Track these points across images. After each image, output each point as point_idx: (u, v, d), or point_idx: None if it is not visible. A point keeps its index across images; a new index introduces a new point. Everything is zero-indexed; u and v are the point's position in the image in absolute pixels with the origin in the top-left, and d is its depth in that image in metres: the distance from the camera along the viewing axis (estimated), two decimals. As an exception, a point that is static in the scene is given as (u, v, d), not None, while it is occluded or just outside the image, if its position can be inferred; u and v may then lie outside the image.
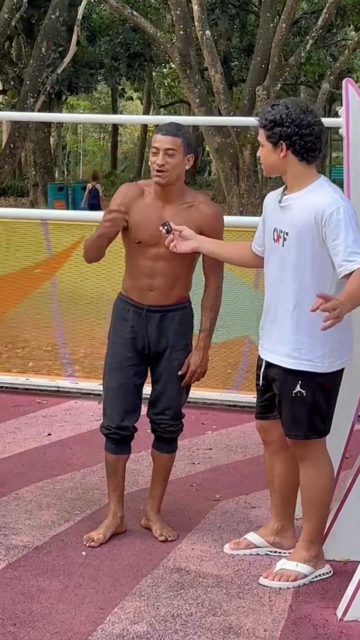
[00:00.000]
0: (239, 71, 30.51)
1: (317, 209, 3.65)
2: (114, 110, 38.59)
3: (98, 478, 4.95)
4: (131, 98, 39.28)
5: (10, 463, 5.24)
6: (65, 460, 5.32)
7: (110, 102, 40.09)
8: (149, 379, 4.29)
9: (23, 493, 4.77)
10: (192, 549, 4.17)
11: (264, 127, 3.75)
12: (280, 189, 3.90)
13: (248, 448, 5.62)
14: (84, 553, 4.09)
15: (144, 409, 4.27)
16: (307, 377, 3.75)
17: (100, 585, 3.79)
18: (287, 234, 3.76)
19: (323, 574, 3.94)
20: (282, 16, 18.02)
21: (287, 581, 3.84)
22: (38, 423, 6.01)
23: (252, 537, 4.18)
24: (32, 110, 17.84)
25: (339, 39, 28.98)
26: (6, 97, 30.47)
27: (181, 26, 17.63)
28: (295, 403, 3.80)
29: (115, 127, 39.66)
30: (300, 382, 3.76)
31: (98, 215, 7.55)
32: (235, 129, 17.78)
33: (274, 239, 3.84)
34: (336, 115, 4.33)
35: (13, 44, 27.50)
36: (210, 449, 5.61)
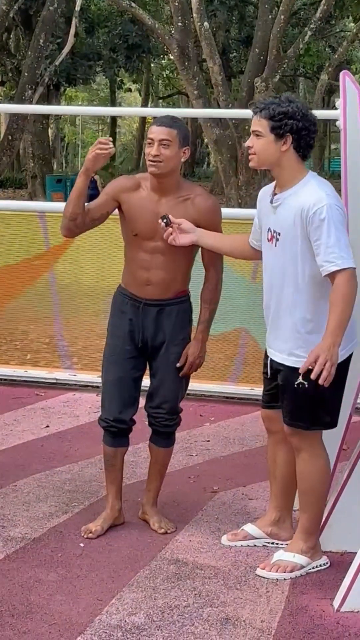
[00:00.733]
0: (237, 63, 30.49)
1: (302, 207, 3.65)
2: (112, 102, 38.56)
3: (96, 470, 4.96)
4: (129, 90, 39.21)
5: (8, 455, 5.25)
6: (63, 452, 5.33)
7: (109, 93, 40.04)
8: (147, 372, 4.29)
9: (21, 485, 4.78)
10: (190, 540, 4.19)
11: (270, 118, 3.73)
12: (272, 187, 3.88)
13: (246, 440, 5.63)
14: (81, 545, 4.10)
15: (142, 402, 4.27)
16: (310, 371, 3.74)
17: (97, 577, 3.80)
18: (279, 234, 3.76)
19: (320, 565, 3.95)
20: (281, 7, 17.99)
21: (284, 572, 3.85)
22: (36, 415, 6.02)
23: (249, 528, 4.19)
24: (30, 102, 17.80)
25: (337, 30, 28.94)
26: (4, 89, 30.46)
27: (179, 17, 17.59)
28: (298, 394, 3.79)
29: (113, 118, 39.63)
30: (303, 373, 3.76)
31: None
32: (233, 121, 17.75)
33: (268, 239, 3.85)
34: (334, 107, 4.32)
35: (11, 36, 27.44)
36: (208, 440, 5.62)
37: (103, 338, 4.32)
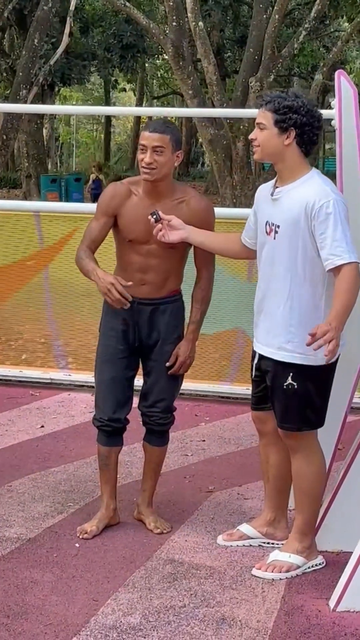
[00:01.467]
0: (232, 62, 30.45)
1: (307, 201, 3.65)
2: (107, 102, 38.51)
3: (91, 470, 4.96)
4: (124, 89, 39.16)
5: (4, 455, 5.24)
6: (59, 452, 5.32)
7: (103, 93, 40.01)
8: (141, 372, 4.29)
9: (16, 485, 4.77)
10: (186, 540, 4.18)
11: (275, 111, 3.73)
12: (272, 182, 3.89)
13: (241, 440, 5.62)
14: (77, 545, 4.09)
15: (136, 401, 4.27)
16: (298, 369, 3.76)
17: (93, 577, 3.80)
18: (278, 226, 3.76)
19: (316, 565, 3.95)
20: (275, 7, 17.98)
21: (280, 572, 3.85)
22: (31, 415, 6.02)
23: (245, 528, 4.19)
24: (25, 102, 17.77)
25: (332, 30, 28.91)
26: (-1, 89, 30.38)
27: (174, 17, 17.58)
28: (287, 395, 3.81)
29: (108, 118, 39.58)
30: (291, 374, 3.77)
31: (90, 207, 7.56)
32: (228, 121, 17.75)
33: (266, 232, 3.84)
34: (329, 107, 4.32)
35: (5, 35, 27.39)
36: (204, 440, 5.61)
37: (98, 338, 4.31)
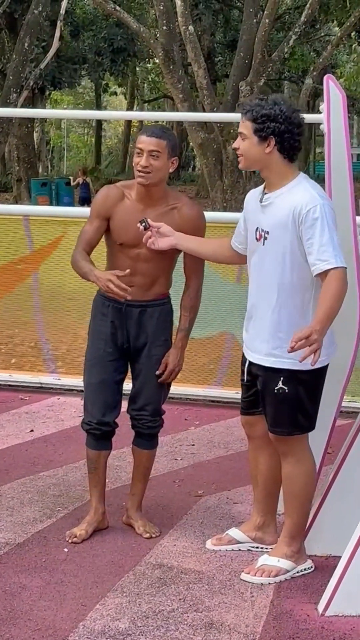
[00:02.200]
0: (222, 66, 30.52)
1: (295, 207, 3.66)
2: (98, 105, 38.57)
3: (80, 474, 4.95)
4: (115, 93, 39.18)
5: (-7, 460, 5.23)
6: (48, 456, 5.31)
7: (94, 97, 40.03)
8: (129, 375, 4.29)
9: (5, 490, 4.76)
10: (174, 545, 4.17)
11: (253, 121, 3.73)
12: (261, 188, 3.89)
13: (231, 444, 5.62)
14: (65, 550, 4.08)
15: (125, 405, 4.26)
16: (288, 374, 3.76)
17: (82, 582, 3.78)
18: (267, 232, 3.76)
19: (305, 569, 3.95)
20: (266, 11, 18.03)
21: (269, 577, 3.85)
22: (21, 419, 6.00)
23: (234, 532, 4.19)
24: (15, 106, 17.76)
25: (322, 34, 29.02)
26: (-11, 92, 30.32)
27: (164, 21, 17.60)
28: (278, 399, 3.81)
29: (99, 122, 39.61)
30: (282, 378, 3.77)
31: (80, 211, 7.56)
32: (218, 125, 17.78)
33: (256, 238, 3.84)
34: (319, 111, 4.33)
35: (-4, 39, 27.38)
36: (193, 444, 5.61)
37: (87, 342, 4.31)
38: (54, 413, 6.15)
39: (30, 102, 24.63)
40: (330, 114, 4.13)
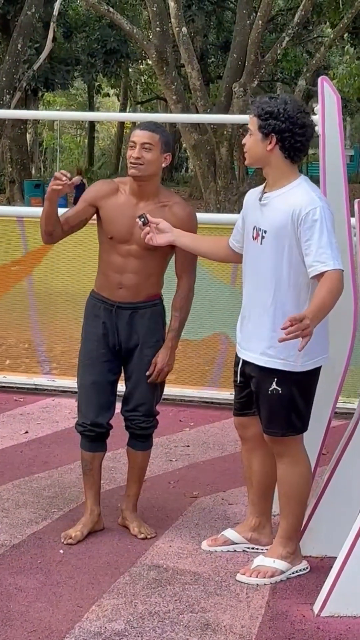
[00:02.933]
0: (215, 68, 30.54)
1: (294, 208, 3.66)
2: (91, 107, 38.53)
3: (75, 476, 4.95)
4: (108, 94, 39.16)
5: (-13, 461, 5.23)
6: (43, 458, 5.31)
7: (87, 98, 40.00)
8: (123, 376, 4.29)
9: (0, 491, 4.75)
10: (170, 546, 4.18)
11: (258, 116, 3.75)
12: (261, 187, 3.90)
13: (225, 445, 5.62)
14: (61, 551, 4.08)
15: (119, 407, 4.27)
16: (282, 374, 3.76)
17: (77, 583, 3.78)
18: (265, 232, 3.76)
19: (300, 570, 3.95)
20: (259, 13, 18.05)
21: (265, 577, 3.85)
22: (15, 421, 6.00)
23: (229, 533, 4.19)
24: (8, 107, 17.76)
25: (315, 36, 29.02)
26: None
27: (157, 23, 17.61)
28: (272, 400, 3.81)
29: (92, 124, 39.58)
30: (275, 379, 3.78)
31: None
32: (212, 126, 17.78)
33: (252, 237, 3.84)
34: (313, 112, 4.33)
35: (-11, 40, 27.34)
36: (188, 445, 5.61)
37: (82, 343, 4.31)
38: (48, 414, 6.15)
39: (23, 104, 24.62)
40: (325, 116, 4.14)
